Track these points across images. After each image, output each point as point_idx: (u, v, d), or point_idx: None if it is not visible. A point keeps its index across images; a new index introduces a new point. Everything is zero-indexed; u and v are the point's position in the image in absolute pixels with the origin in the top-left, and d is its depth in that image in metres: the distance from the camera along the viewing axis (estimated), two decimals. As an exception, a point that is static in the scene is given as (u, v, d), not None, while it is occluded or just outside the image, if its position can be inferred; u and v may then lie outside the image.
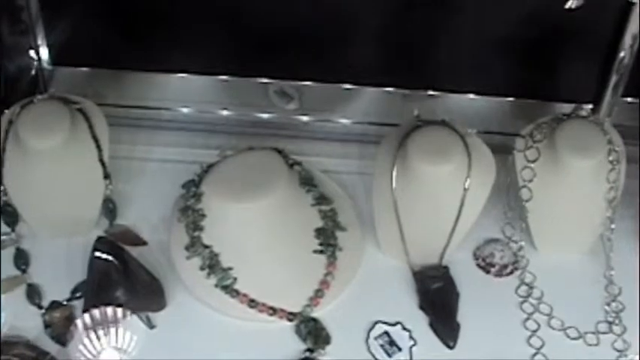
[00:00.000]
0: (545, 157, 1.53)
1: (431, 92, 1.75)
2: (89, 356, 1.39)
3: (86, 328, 1.40)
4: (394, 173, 1.50)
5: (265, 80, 1.76)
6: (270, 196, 1.47)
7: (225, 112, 1.77)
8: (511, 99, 1.77)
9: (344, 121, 1.78)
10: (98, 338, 1.40)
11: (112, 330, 1.40)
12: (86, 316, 1.40)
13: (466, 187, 1.48)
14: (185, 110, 1.77)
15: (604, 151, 1.52)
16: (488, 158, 1.54)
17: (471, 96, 1.76)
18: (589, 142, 1.51)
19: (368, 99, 1.78)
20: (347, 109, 1.78)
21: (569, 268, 1.58)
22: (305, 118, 1.77)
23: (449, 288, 1.53)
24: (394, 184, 1.50)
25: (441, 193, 1.50)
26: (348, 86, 1.76)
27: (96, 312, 1.41)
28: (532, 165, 1.54)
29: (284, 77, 1.75)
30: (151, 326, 1.46)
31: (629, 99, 1.72)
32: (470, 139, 1.51)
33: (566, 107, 1.66)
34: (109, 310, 1.41)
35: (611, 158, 1.52)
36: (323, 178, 1.63)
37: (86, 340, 1.39)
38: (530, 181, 1.54)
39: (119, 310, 1.41)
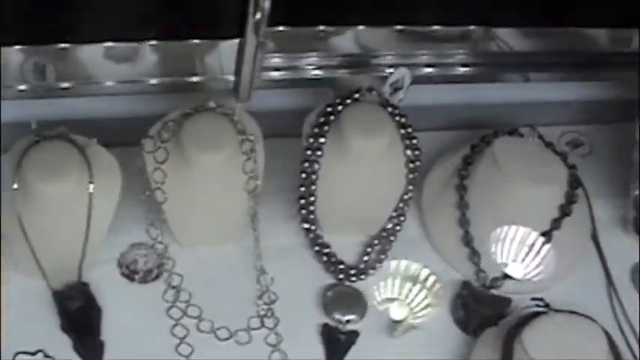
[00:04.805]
0: (175, 156, 1.46)
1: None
2: None
3: None
4: (16, 191, 1.41)
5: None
6: None
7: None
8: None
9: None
10: None
11: None
12: None
13: (88, 202, 1.42)
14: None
15: (233, 143, 1.46)
16: (112, 165, 1.46)
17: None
18: (214, 136, 1.45)
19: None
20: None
21: (218, 264, 1.53)
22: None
23: (89, 305, 1.45)
24: (18, 202, 1.42)
25: (59, 212, 1.42)
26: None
27: None
28: (162, 166, 1.47)
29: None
30: None
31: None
32: (90, 149, 1.43)
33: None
34: None
35: (244, 149, 1.47)
36: None
37: None
38: (163, 182, 1.48)
39: None
